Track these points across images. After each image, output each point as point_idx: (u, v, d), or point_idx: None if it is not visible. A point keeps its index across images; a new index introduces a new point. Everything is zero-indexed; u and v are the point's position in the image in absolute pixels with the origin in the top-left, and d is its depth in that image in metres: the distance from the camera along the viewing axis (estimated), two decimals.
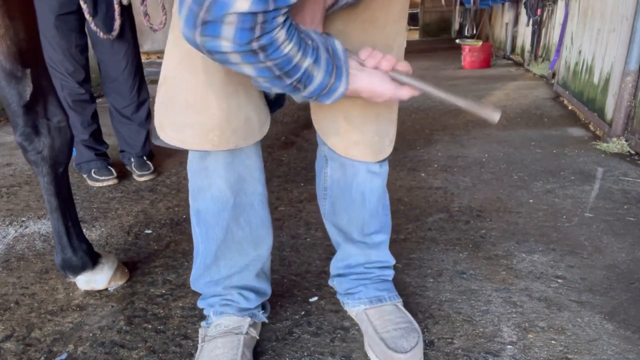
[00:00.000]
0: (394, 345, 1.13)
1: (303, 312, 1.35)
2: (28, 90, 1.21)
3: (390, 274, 1.31)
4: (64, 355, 1.21)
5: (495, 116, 0.93)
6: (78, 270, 1.42)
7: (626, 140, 2.66)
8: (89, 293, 1.46)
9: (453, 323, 1.29)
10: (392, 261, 1.31)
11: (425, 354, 1.18)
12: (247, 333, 1.16)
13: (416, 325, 1.20)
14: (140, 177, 2.40)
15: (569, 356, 1.16)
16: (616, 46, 2.86)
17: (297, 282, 1.50)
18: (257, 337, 1.21)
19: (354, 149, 1.15)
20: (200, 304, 1.23)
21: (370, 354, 1.17)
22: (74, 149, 2.36)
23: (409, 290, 1.44)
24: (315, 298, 1.42)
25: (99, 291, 1.46)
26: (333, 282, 1.36)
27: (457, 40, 7.31)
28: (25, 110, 1.22)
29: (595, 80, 3.20)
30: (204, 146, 0.99)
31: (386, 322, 1.20)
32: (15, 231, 1.88)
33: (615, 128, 2.74)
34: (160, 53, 6.70)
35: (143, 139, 2.47)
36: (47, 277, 1.56)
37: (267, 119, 1.10)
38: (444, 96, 0.94)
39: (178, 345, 1.23)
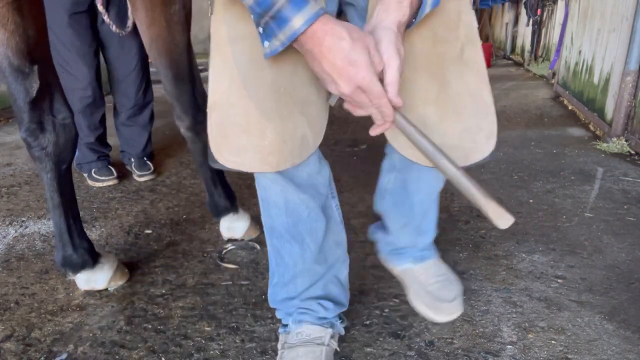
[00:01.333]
0: (439, 296, 1.27)
1: None
2: (35, 86, 1.21)
3: (431, 238, 1.37)
4: (64, 355, 1.21)
5: (503, 223, 0.84)
6: (78, 268, 1.42)
7: (626, 140, 2.66)
8: (89, 293, 1.46)
9: (453, 323, 1.29)
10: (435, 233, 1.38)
11: (425, 354, 1.18)
12: (328, 345, 1.14)
13: (453, 276, 1.34)
14: (140, 177, 2.39)
15: (569, 356, 1.16)
16: (616, 46, 2.85)
17: None
18: (337, 349, 1.19)
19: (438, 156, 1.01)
20: (278, 314, 1.21)
21: (418, 304, 1.30)
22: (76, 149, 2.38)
23: None
24: None
25: (99, 291, 1.46)
26: (377, 243, 1.43)
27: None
28: (31, 106, 1.22)
29: (595, 80, 3.20)
30: (263, 168, 0.98)
31: (429, 276, 1.32)
32: (15, 231, 1.88)
33: (615, 128, 2.74)
34: None
35: (145, 140, 2.46)
36: (47, 277, 1.56)
37: (323, 125, 1.03)
38: (451, 175, 0.84)
39: (178, 345, 1.23)
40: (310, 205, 1.07)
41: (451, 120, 1.02)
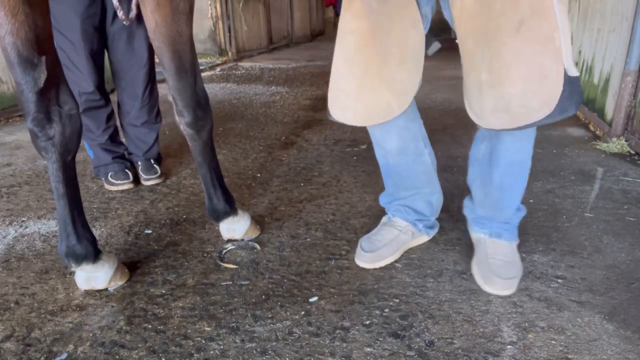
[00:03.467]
0: (496, 271, 1.40)
1: (303, 312, 1.35)
2: (42, 77, 1.22)
3: (516, 220, 1.54)
4: (64, 355, 1.21)
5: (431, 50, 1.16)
6: (81, 259, 1.41)
7: (626, 140, 2.66)
8: (88, 293, 1.46)
9: (453, 323, 1.29)
10: (521, 212, 1.54)
11: (425, 354, 1.18)
12: (405, 233, 1.64)
13: (520, 264, 1.47)
14: (147, 181, 2.34)
15: (569, 356, 1.16)
16: (616, 46, 2.85)
17: (297, 282, 1.50)
18: (411, 242, 1.66)
19: (490, 116, 1.26)
20: (386, 209, 1.74)
21: (474, 270, 1.47)
22: (91, 153, 2.36)
23: (409, 291, 1.44)
24: (315, 298, 1.42)
25: (99, 291, 1.46)
26: (464, 208, 1.66)
27: (457, 39, 7.30)
28: (38, 96, 1.24)
29: (595, 80, 3.20)
30: (356, 122, 1.46)
31: (497, 252, 1.47)
32: (15, 231, 1.88)
33: (615, 128, 2.73)
34: None
35: (151, 142, 2.39)
36: (47, 277, 1.56)
37: (409, 98, 1.40)
38: None
39: (178, 345, 1.23)
40: (402, 151, 1.55)
41: (503, 85, 1.19)
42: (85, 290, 1.47)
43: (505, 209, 1.51)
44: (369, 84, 1.38)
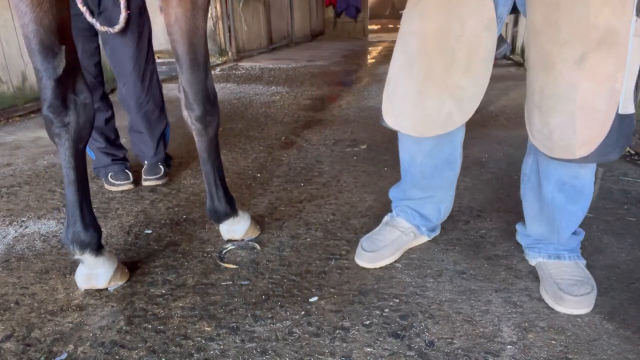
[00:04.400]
0: (566, 289, 1.31)
1: (303, 312, 1.35)
2: (61, 65, 1.26)
3: (573, 246, 1.44)
4: (64, 355, 1.21)
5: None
6: (85, 246, 1.41)
7: None
8: (88, 293, 1.46)
9: (453, 323, 1.29)
10: (580, 236, 1.46)
11: (425, 354, 1.18)
12: (406, 234, 1.62)
13: (592, 281, 1.36)
14: (146, 181, 2.31)
15: (569, 356, 1.16)
16: None
17: (297, 282, 1.50)
18: (411, 243, 1.64)
19: (537, 136, 1.24)
20: (390, 196, 1.71)
21: (544, 294, 1.37)
22: (92, 154, 2.34)
23: (409, 291, 1.44)
24: (315, 298, 1.42)
25: (99, 291, 1.46)
26: (517, 235, 1.58)
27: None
28: (56, 84, 1.27)
29: None
30: (411, 132, 1.38)
31: (562, 273, 1.37)
32: (15, 231, 1.88)
33: None
34: (159, 53, 6.71)
35: (155, 144, 2.34)
36: (47, 277, 1.56)
37: (473, 108, 1.33)
38: None
39: (178, 345, 1.23)
40: (438, 153, 1.49)
41: (549, 115, 1.16)
42: (85, 290, 1.47)
43: (562, 232, 1.39)
44: (430, 92, 1.28)
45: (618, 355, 1.16)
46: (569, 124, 1.12)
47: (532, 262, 1.51)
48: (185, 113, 1.58)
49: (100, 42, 2.19)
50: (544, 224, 1.43)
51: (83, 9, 1.93)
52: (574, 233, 1.44)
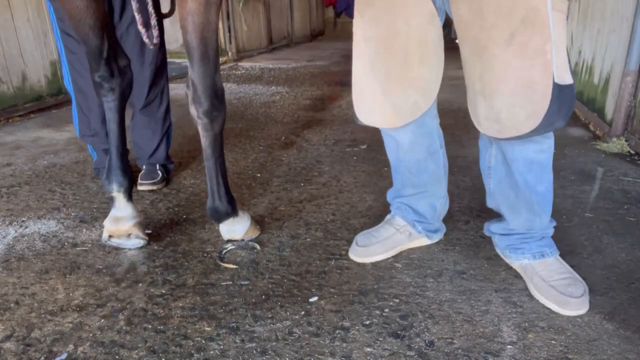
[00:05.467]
0: (566, 291, 1.33)
1: (303, 312, 1.35)
2: (106, 46, 1.58)
3: (550, 232, 1.47)
4: (64, 355, 1.21)
5: None
6: (121, 185, 1.69)
7: (626, 140, 2.66)
8: (88, 293, 1.46)
9: (453, 323, 1.29)
10: (553, 223, 1.47)
11: (425, 354, 1.18)
12: (401, 233, 1.65)
13: (578, 276, 1.40)
14: (141, 186, 2.25)
15: (569, 356, 1.16)
16: (616, 46, 2.85)
17: (297, 282, 1.50)
18: (410, 243, 1.66)
19: (484, 123, 1.27)
20: (388, 199, 1.74)
21: (541, 298, 1.36)
22: (94, 154, 2.34)
23: (409, 291, 1.44)
24: (315, 298, 1.42)
25: (99, 291, 1.47)
26: (493, 237, 1.58)
27: (457, 40, 7.30)
28: (104, 61, 1.60)
29: (595, 80, 3.20)
30: (385, 125, 1.48)
31: (551, 273, 1.39)
32: (15, 231, 1.88)
33: (615, 128, 2.74)
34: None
35: (157, 142, 2.32)
36: (47, 277, 1.56)
37: (434, 92, 1.40)
38: None
39: (178, 345, 1.23)
40: (418, 145, 1.54)
41: (492, 97, 1.20)
42: (85, 290, 1.47)
43: (543, 214, 1.42)
44: (393, 88, 1.39)
45: (618, 355, 1.16)
46: (512, 101, 1.18)
47: (516, 264, 1.50)
48: (192, 107, 1.60)
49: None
50: (524, 211, 1.43)
51: (143, 31, 1.69)
52: (550, 220, 1.46)
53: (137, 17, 1.67)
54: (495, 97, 1.20)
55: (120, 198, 1.70)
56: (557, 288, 1.34)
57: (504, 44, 1.15)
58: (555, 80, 1.15)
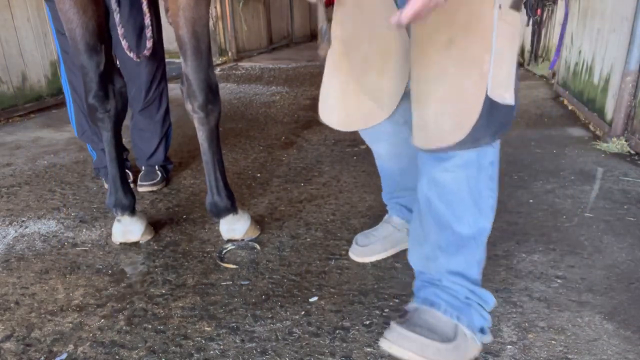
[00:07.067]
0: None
1: (303, 312, 1.35)
2: (103, 61, 1.52)
3: (444, 271, 1.20)
4: (64, 355, 1.21)
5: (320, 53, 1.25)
6: (125, 208, 1.72)
7: (626, 140, 2.66)
8: (88, 293, 1.46)
9: None
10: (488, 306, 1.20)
11: None
12: (398, 229, 1.65)
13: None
14: (140, 187, 2.25)
15: (569, 356, 1.16)
16: (616, 46, 2.85)
17: (297, 282, 1.50)
18: (407, 242, 1.49)
19: (414, 131, 1.18)
20: (383, 200, 1.73)
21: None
22: (94, 154, 2.34)
23: (409, 290, 1.44)
24: (315, 298, 1.42)
25: (99, 291, 1.46)
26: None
27: None
28: (100, 77, 1.54)
29: (595, 80, 3.20)
30: (340, 127, 1.42)
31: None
32: (15, 231, 1.88)
33: (615, 128, 2.73)
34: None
35: (157, 143, 2.31)
36: (47, 277, 1.56)
37: (393, 104, 1.37)
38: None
39: (178, 345, 1.23)
40: (398, 154, 1.52)
41: (425, 101, 1.13)
42: (84, 291, 1.46)
43: (438, 258, 1.20)
44: (349, 91, 1.38)
45: (618, 355, 1.16)
46: (442, 109, 1.11)
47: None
48: (187, 102, 1.61)
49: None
50: (414, 245, 1.28)
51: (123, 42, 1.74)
52: (477, 273, 1.22)
53: (123, 42, 1.67)
54: (426, 103, 1.12)
55: (125, 217, 1.75)
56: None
57: (442, 48, 1.08)
58: (489, 94, 1.06)
